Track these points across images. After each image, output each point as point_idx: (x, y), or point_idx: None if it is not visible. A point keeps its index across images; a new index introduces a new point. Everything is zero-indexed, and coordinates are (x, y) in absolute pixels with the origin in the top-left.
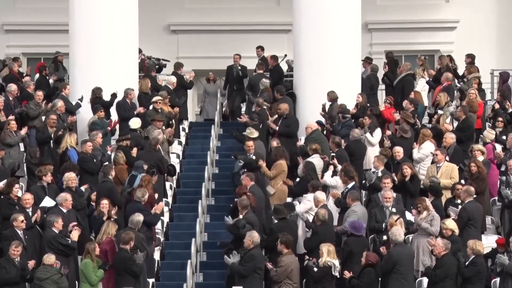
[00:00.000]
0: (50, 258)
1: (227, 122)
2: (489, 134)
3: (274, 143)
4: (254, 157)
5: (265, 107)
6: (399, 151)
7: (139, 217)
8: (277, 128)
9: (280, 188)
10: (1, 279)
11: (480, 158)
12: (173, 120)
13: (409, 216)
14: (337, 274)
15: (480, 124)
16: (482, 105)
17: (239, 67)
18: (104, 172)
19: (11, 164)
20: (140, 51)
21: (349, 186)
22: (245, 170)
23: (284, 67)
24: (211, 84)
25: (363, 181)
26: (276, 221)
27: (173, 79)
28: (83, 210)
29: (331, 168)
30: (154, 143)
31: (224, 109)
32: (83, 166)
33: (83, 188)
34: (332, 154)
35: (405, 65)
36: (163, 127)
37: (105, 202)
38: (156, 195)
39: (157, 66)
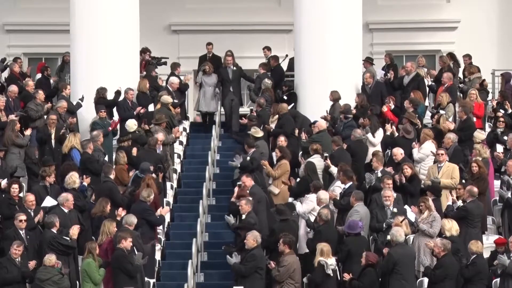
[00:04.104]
0: (50, 259)
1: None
2: (479, 134)
3: (282, 138)
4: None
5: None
6: (396, 153)
7: (132, 218)
8: (272, 128)
9: (284, 188)
10: (2, 279)
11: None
12: (175, 123)
13: (409, 212)
14: (330, 272)
15: (480, 124)
16: (482, 105)
17: (234, 68)
18: (105, 172)
19: (10, 168)
20: (147, 51)
21: (347, 186)
22: (241, 172)
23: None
24: (207, 75)
25: (364, 182)
26: (277, 222)
27: (176, 80)
28: (87, 211)
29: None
30: (154, 143)
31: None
32: (89, 166)
33: (85, 183)
34: (325, 154)
35: (413, 64)
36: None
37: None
38: None
39: (157, 67)
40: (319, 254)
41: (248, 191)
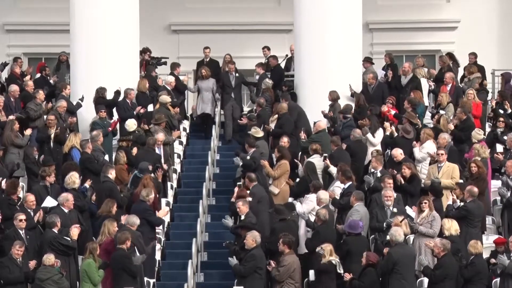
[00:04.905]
0: (50, 259)
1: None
2: (477, 134)
3: (285, 139)
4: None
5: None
6: (396, 154)
7: (134, 219)
8: (271, 129)
9: (283, 188)
10: (4, 279)
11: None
12: (174, 122)
13: (409, 212)
14: (341, 271)
15: (479, 124)
16: (480, 105)
17: (236, 74)
18: (104, 171)
19: (11, 164)
20: (148, 51)
21: (346, 186)
22: (243, 171)
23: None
24: (203, 80)
25: (363, 183)
26: (277, 221)
27: (171, 79)
28: (87, 211)
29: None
30: (153, 143)
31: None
32: (88, 166)
33: (86, 184)
34: (325, 154)
35: (411, 65)
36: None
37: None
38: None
39: (157, 67)
40: (328, 254)
41: (249, 191)
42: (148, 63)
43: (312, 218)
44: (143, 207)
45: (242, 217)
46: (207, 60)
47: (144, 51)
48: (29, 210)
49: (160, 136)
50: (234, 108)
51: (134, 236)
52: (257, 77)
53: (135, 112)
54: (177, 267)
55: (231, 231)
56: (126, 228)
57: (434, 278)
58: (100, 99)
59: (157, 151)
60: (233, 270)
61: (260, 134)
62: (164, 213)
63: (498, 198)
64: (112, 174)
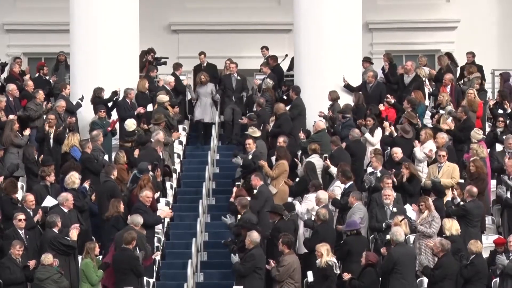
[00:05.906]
0: (48, 258)
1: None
2: (476, 134)
3: (281, 139)
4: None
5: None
6: (396, 152)
7: (138, 218)
8: (270, 129)
9: (281, 188)
10: (5, 280)
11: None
12: (173, 122)
13: (409, 211)
14: (338, 271)
15: (480, 124)
16: (481, 105)
17: (238, 77)
18: (106, 171)
19: (12, 166)
20: (151, 51)
21: (347, 185)
22: (243, 171)
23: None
24: (202, 86)
25: (363, 183)
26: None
27: (171, 78)
28: (87, 211)
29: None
30: (156, 144)
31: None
32: (88, 166)
33: (86, 185)
34: (325, 155)
35: (413, 64)
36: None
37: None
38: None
39: (157, 67)
40: (326, 255)
41: (256, 190)
42: (151, 63)
43: (312, 218)
44: (136, 205)
45: (239, 217)
46: (204, 65)
47: (148, 52)
48: (28, 210)
49: (161, 135)
50: (234, 112)
51: (138, 237)
52: (263, 77)
53: (135, 113)
54: (176, 267)
55: (229, 228)
56: (130, 228)
57: (433, 278)
58: (96, 99)
59: (159, 151)
60: (234, 267)
61: (257, 133)
62: (168, 214)
63: (496, 197)
64: (114, 175)
